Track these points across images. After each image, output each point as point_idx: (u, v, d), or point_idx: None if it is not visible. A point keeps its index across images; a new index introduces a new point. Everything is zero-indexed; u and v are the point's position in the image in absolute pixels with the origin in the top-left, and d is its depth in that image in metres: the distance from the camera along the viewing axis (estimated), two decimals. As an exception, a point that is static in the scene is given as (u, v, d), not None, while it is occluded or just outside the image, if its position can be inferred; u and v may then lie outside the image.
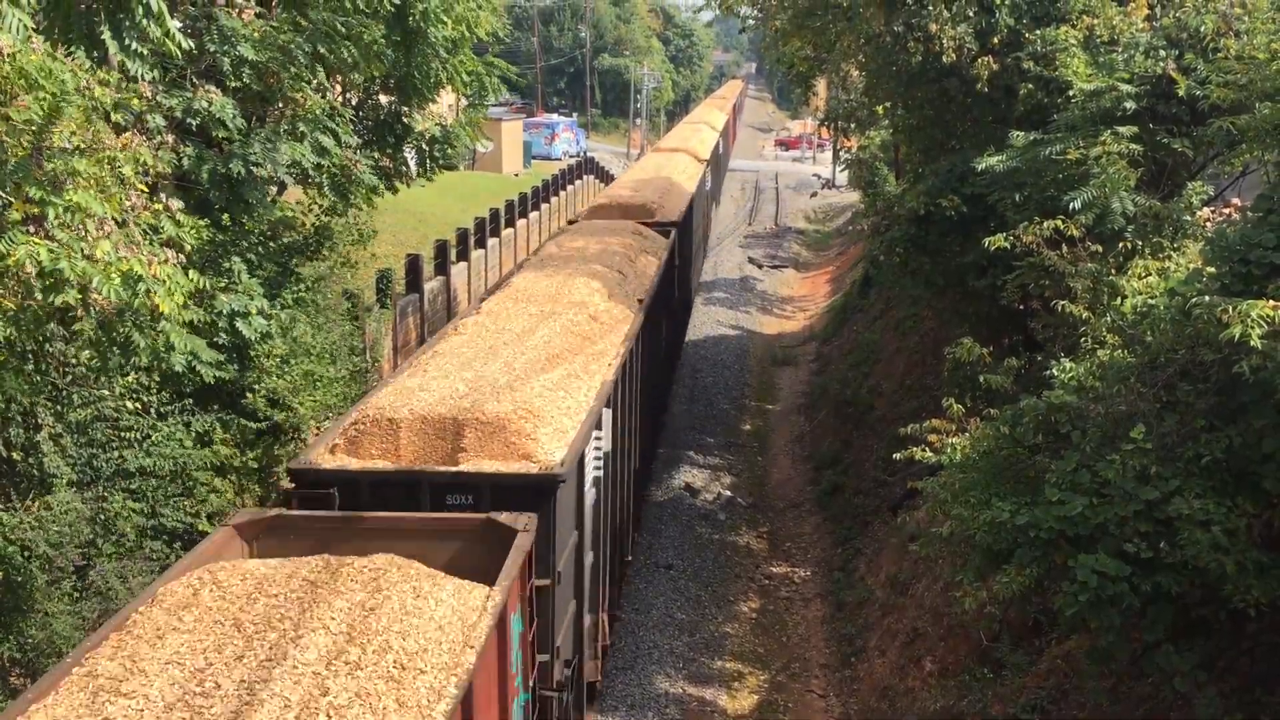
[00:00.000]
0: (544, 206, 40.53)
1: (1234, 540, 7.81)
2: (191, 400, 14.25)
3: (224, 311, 13.53)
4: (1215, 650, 9.00)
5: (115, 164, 9.47)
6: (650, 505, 19.90)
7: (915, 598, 14.96)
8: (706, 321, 33.79)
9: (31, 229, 8.85)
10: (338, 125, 15.42)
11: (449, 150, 20.51)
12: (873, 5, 16.94)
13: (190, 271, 9.93)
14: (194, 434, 14.24)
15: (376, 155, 18.49)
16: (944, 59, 15.78)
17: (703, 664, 15.11)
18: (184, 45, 11.33)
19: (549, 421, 10.59)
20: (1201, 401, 8.57)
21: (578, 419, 11.04)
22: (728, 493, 21.31)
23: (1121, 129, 12.43)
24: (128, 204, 9.62)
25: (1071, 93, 13.19)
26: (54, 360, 12.36)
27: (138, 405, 13.52)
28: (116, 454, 13.29)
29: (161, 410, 13.95)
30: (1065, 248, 12.28)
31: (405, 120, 19.27)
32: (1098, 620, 8.18)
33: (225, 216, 14.36)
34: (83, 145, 9.24)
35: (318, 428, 15.55)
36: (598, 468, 11.82)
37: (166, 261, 9.49)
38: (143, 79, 11.73)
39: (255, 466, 15.23)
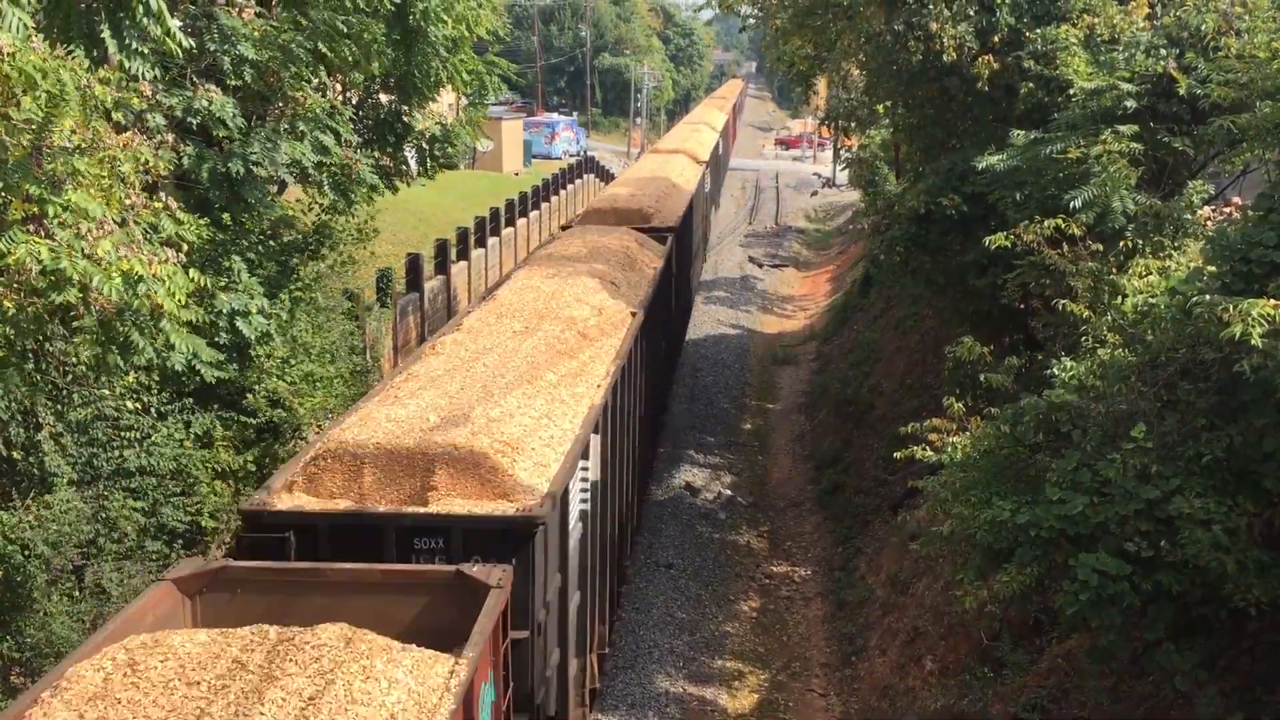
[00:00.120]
0: (544, 206, 40.54)
1: (1234, 539, 7.80)
2: (192, 400, 14.26)
3: (224, 311, 13.53)
4: (1216, 649, 9.00)
5: (115, 163, 9.48)
6: (651, 504, 19.89)
7: (916, 597, 14.96)
8: (707, 321, 33.78)
9: (31, 228, 8.86)
10: (338, 124, 15.41)
11: (449, 149, 20.51)
12: (873, 4, 16.93)
13: (190, 270, 9.93)
14: (193, 434, 14.24)
15: (377, 154, 18.49)
16: (944, 58, 15.77)
17: (703, 663, 15.10)
18: (184, 44, 11.32)
19: (529, 454, 9.83)
20: (1202, 400, 8.57)
21: (562, 449, 10.30)
22: (728, 492, 21.31)
23: (1122, 128, 12.43)
24: (128, 203, 9.62)
25: (1072, 91, 13.18)
26: (54, 359, 12.36)
27: (138, 405, 13.52)
28: (117, 453, 13.29)
29: (162, 410, 13.96)
30: (1066, 246, 12.27)
31: (405, 119, 19.27)
32: (1098, 619, 8.18)
33: (225, 216, 14.36)
34: (83, 144, 9.25)
35: (318, 427, 15.54)
36: (584, 500, 11.04)
37: (167, 261, 9.49)
38: (144, 78, 11.73)
39: (253, 469, 15.21)
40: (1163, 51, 13.36)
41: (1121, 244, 12.59)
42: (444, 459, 9.38)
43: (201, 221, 11.54)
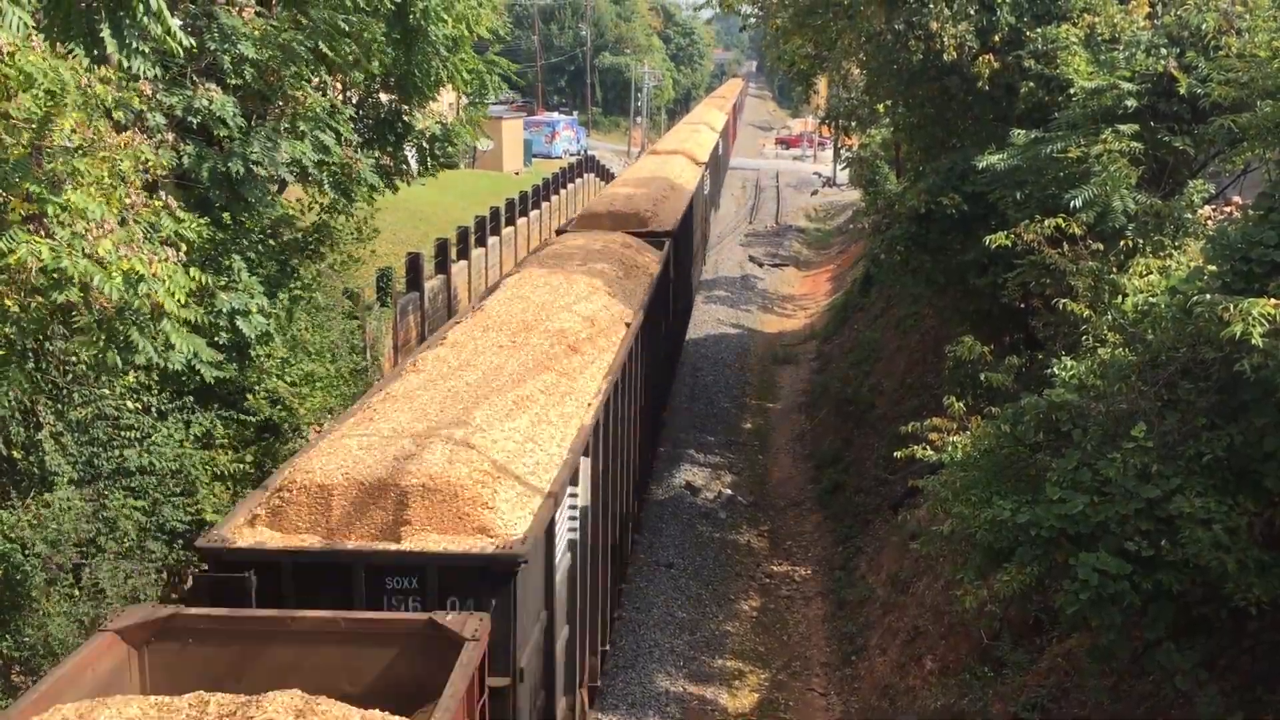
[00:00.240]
0: (544, 205, 40.54)
1: (1235, 538, 7.80)
2: (192, 398, 14.25)
3: (224, 310, 13.53)
4: (1216, 648, 9.00)
5: (115, 162, 9.47)
6: (651, 504, 19.89)
7: (916, 596, 14.96)
8: (707, 320, 33.78)
9: (32, 227, 8.86)
10: (338, 123, 15.41)
11: (449, 148, 20.49)
12: (873, 3, 16.93)
13: (191, 270, 9.93)
14: (193, 435, 14.24)
15: (377, 153, 18.48)
16: (945, 57, 15.77)
17: (703, 662, 15.11)
18: (184, 43, 11.32)
19: (511, 483, 9.20)
20: (1202, 400, 8.57)
21: (548, 477, 9.67)
22: (728, 491, 21.31)
23: (1122, 127, 12.42)
24: (127, 202, 9.62)
25: (1072, 91, 13.18)
26: (54, 359, 12.37)
27: (138, 404, 13.52)
28: (117, 452, 13.29)
29: (162, 409, 13.96)
30: (1066, 246, 12.27)
31: (406, 118, 19.26)
32: (1099, 618, 8.18)
33: (225, 215, 14.36)
34: (83, 144, 9.24)
35: (318, 427, 15.54)
36: (573, 529, 10.43)
37: (167, 260, 9.49)
38: (146, 76, 11.73)
39: (251, 471, 15.19)
40: (1163, 51, 13.36)
41: (1122, 243, 12.59)
42: (418, 490, 8.74)
43: (201, 221, 11.54)
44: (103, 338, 10.10)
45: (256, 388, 15.41)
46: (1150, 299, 10.22)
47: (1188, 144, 13.09)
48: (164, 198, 10.74)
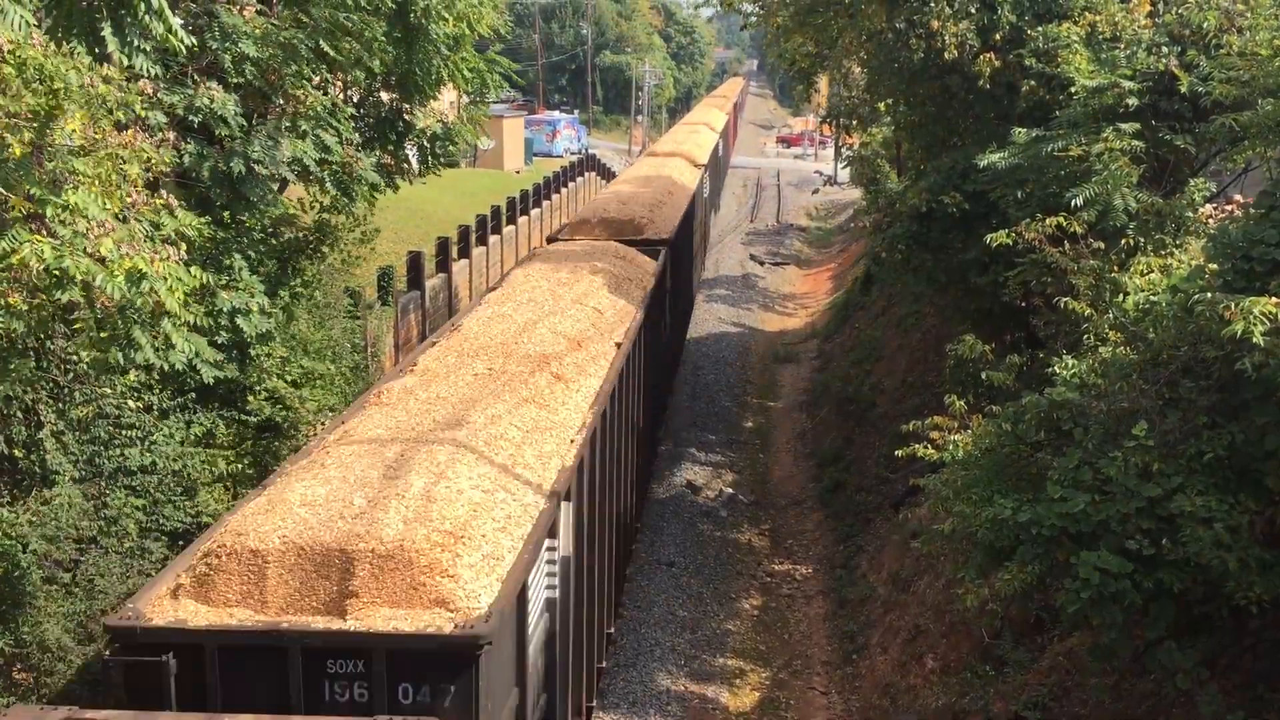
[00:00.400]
0: (545, 204, 40.55)
1: (1236, 537, 7.80)
2: (194, 396, 14.26)
3: (224, 309, 13.53)
4: (1217, 647, 9.00)
5: (119, 162, 9.48)
6: (652, 502, 19.90)
7: (917, 595, 14.96)
8: (708, 319, 33.79)
9: (33, 226, 8.86)
10: (339, 123, 15.42)
11: (450, 147, 20.50)
12: (874, 2, 16.92)
13: (192, 268, 9.93)
14: (194, 434, 14.24)
15: (378, 152, 18.49)
16: (946, 56, 15.77)
17: (704, 661, 15.11)
18: (185, 42, 11.32)
19: (477, 544, 8.01)
20: (1203, 398, 8.56)
21: (521, 531, 8.56)
22: (729, 490, 21.31)
23: (1124, 125, 12.42)
24: (128, 200, 9.62)
25: (1073, 89, 13.17)
26: (55, 357, 12.38)
27: (140, 403, 13.53)
28: (118, 452, 13.29)
29: (164, 408, 13.96)
30: (1067, 244, 12.27)
31: (406, 117, 19.27)
32: (1100, 617, 8.18)
33: (226, 214, 14.37)
34: (85, 143, 9.24)
35: (317, 426, 15.54)
36: (551, 587, 9.38)
37: (169, 258, 9.49)
38: (148, 74, 11.73)
39: (251, 471, 15.19)
40: (1164, 49, 13.36)
41: (1123, 242, 12.59)
42: (367, 557, 7.62)
43: (202, 219, 11.55)
44: (105, 336, 10.11)
45: (257, 387, 15.41)
46: (1151, 297, 10.23)
47: (1189, 142, 13.09)
48: (165, 196, 10.75)
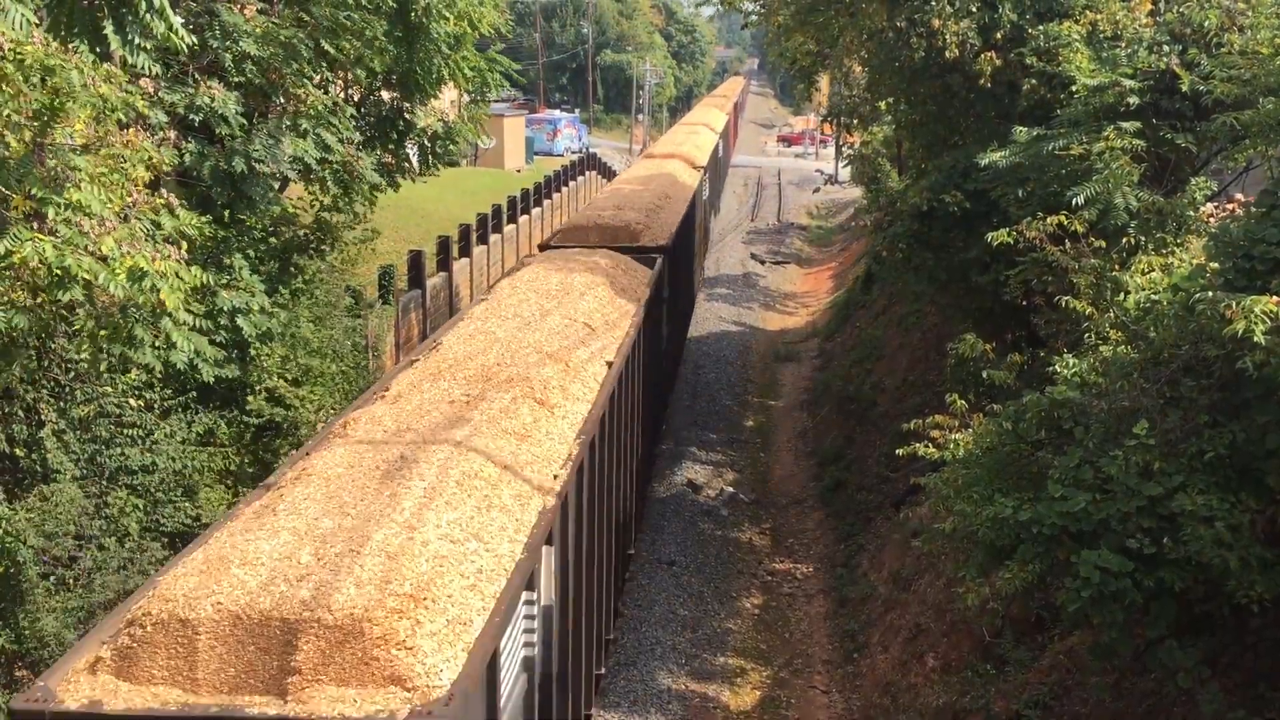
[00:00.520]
0: (546, 203, 40.57)
1: (1237, 536, 7.80)
2: (195, 395, 14.27)
3: (225, 308, 13.54)
4: (1218, 646, 9.00)
5: (122, 161, 9.49)
6: (653, 501, 19.90)
7: (918, 594, 14.96)
8: (709, 317, 33.79)
9: (35, 225, 8.87)
10: (339, 122, 15.43)
11: (451, 146, 20.52)
12: (875, 0, 16.92)
13: (192, 268, 9.94)
14: (195, 433, 14.25)
15: (379, 151, 18.51)
16: (947, 54, 15.76)
17: (705, 660, 15.11)
18: (187, 41, 11.33)
19: (441, 607, 7.04)
20: (1205, 397, 8.56)
21: (493, 589, 7.56)
22: (730, 489, 21.31)
23: (1125, 124, 12.41)
24: (129, 199, 9.63)
25: (1075, 88, 13.17)
26: (56, 356, 12.39)
27: (141, 402, 13.54)
28: (119, 451, 13.31)
29: (165, 407, 13.97)
30: (1068, 243, 12.25)
31: (407, 116, 19.29)
32: (1100, 616, 8.17)
33: (227, 213, 14.39)
34: (87, 142, 9.26)
35: (317, 424, 15.55)
36: (529, 645, 8.55)
37: (170, 257, 9.50)
38: (149, 73, 11.74)
39: (251, 470, 15.20)
40: (1165, 48, 13.35)
41: (1124, 241, 12.58)
42: (312, 627, 6.67)
43: (203, 218, 11.55)
44: (105, 334, 10.11)
45: (257, 386, 15.41)
46: (1152, 296, 10.22)
47: (1190, 141, 13.08)
48: (165, 195, 10.76)
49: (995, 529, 8.80)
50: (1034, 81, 14.69)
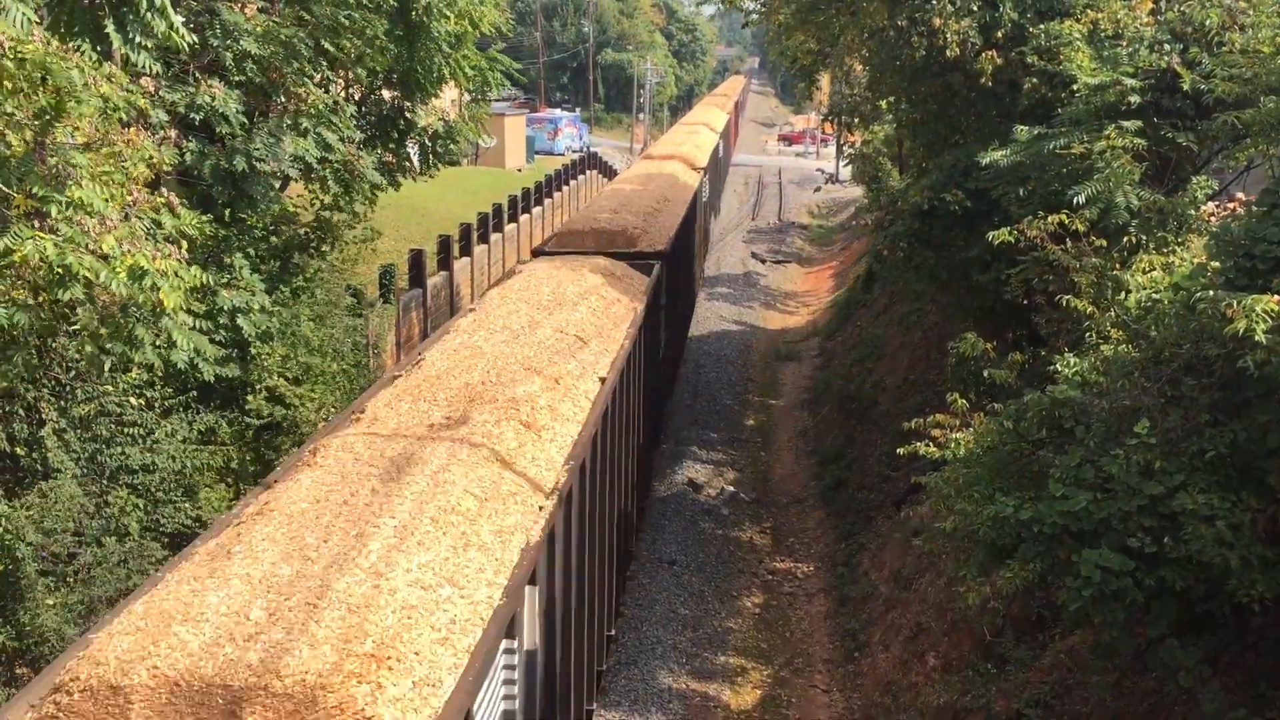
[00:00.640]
0: (547, 201, 40.57)
1: (1238, 535, 7.79)
2: (196, 395, 14.28)
3: (225, 308, 13.55)
4: (1220, 645, 8.99)
5: (122, 160, 9.49)
6: (653, 501, 19.90)
7: (919, 593, 14.96)
8: (710, 316, 33.79)
9: (36, 223, 8.87)
10: (340, 122, 15.43)
11: (451, 145, 20.52)
12: (876, -1, 16.93)
13: (192, 268, 9.94)
14: (196, 432, 14.26)
15: (380, 151, 18.51)
16: (948, 53, 15.75)
17: (706, 659, 15.11)
18: (187, 39, 11.33)
19: (408, 666, 6.30)
20: (1206, 396, 8.55)
21: (468, 640, 6.78)
22: (731, 488, 21.31)
23: (1126, 123, 12.40)
24: (129, 199, 9.64)
25: (1076, 87, 13.16)
26: (57, 355, 12.39)
27: (142, 401, 13.55)
28: (120, 450, 13.31)
29: (166, 405, 13.98)
30: (1069, 242, 12.25)
31: (408, 115, 19.29)
32: (1101, 615, 8.17)
33: (227, 212, 14.39)
34: (89, 141, 9.26)
35: (318, 422, 15.56)
36: (510, 695, 7.84)
37: (170, 256, 9.51)
38: (150, 71, 11.75)
39: (253, 468, 15.20)
40: (1166, 46, 13.34)
41: (1125, 239, 12.57)
42: (259, 696, 5.95)
43: (204, 218, 11.56)
44: (109, 333, 10.12)
45: (257, 385, 15.42)
46: (1153, 295, 10.21)
47: (1191, 140, 13.07)
48: (165, 194, 10.76)
49: (996, 528, 8.80)
50: (1035, 80, 14.68)
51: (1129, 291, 11.13)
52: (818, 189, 61.89)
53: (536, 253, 20.05)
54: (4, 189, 8.68)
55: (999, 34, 15.61)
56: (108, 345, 10.28)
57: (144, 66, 11.71)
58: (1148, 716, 9.55)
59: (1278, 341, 7.63)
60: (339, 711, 5.87)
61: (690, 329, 30.66)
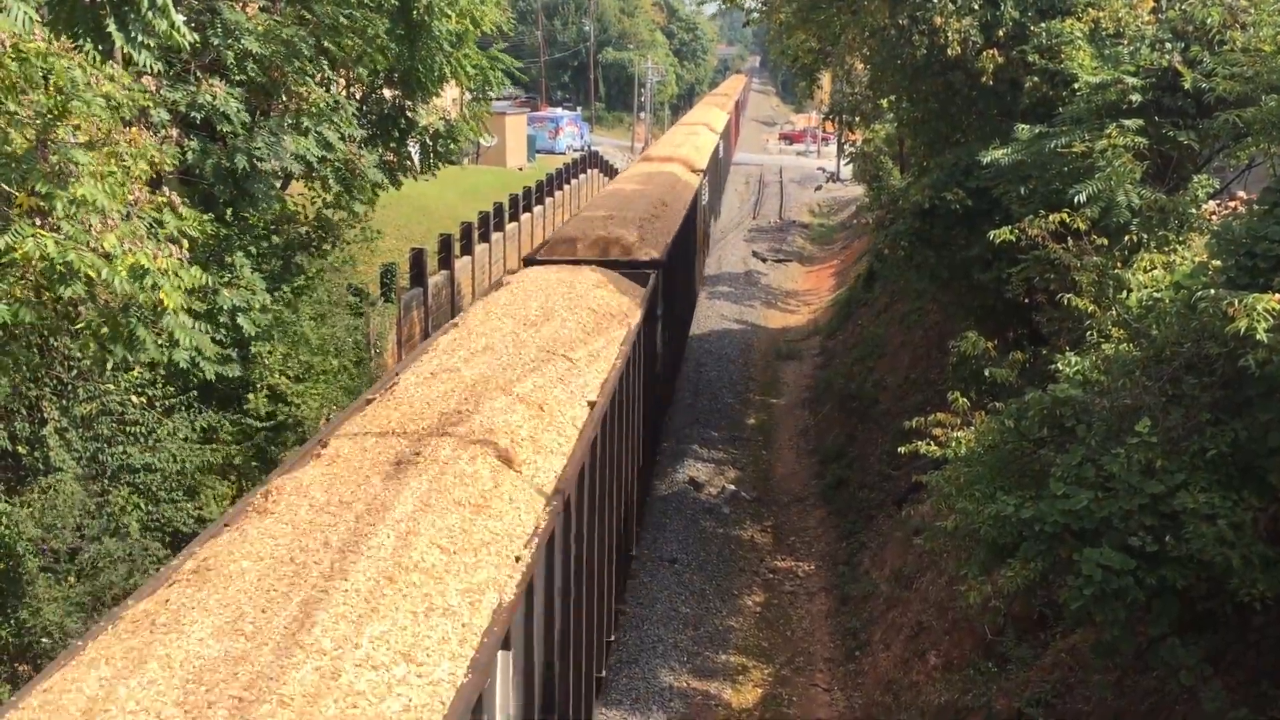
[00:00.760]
0: (548, 200, 40.58)
1: (1239, 534, 7.79)
2: (196, 394, 14.28)
3: (225, 307, 13.56)
4: (1221, 644, 8.99)
5: (122, 159, 9.49)
6: (654, 499, 19.90)
7: (920, 592, 14.96)
8: (710, 315, 33.79)
9: (37, 221, 8.87)
10: (341, 121, 15.44)
11: (452, 144, 20.52)
12: (877, -2, 16.93)
13: (192, 268, 9.94)
14: (199, 429, 14.27)
15: (381, 150, 18.52)
16: (949, 52, 15.75)
17: (707, 658, 15.12)
18: (189, 38, 11.34)
19: None
20: (1207, 395, 8.55)
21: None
22: (732, 487, 21.31)
23: (1127, 122, 12.40)
24: (130, 198, 9.64)
25: (1077, 86, 13.16)
26: (59, 354, 12.40)
27: (143, 400, 13.56)
28: (121, 449, 13.32)
29: (168, 404, 13.99)
30: (1070, 241, 12.25)
31: (409, 114, 19.29)
32: (1103, 614, 8.17)
33: (229, 211, 14.40)
34: (91, 139, 9.26)
35: (319, 421, 15.57)
36: None
37: (171, 255, 9.51)
38: (151, 70, 11.76)
39: (255, 465, 15.21)
40: (1168, 45, 13.33)
41: (1126, 238, 12.56)
42: None
43: (205, 217, 11.57)
44: (109, 332, 10.12)
45: (258, 384, 15.43)
46: (1155, 294, 10.21)
47: (1192, 139, 13.07)
48: (167, 193, 10.76)
49: (997, 527, 8.80)
50: (1036, 79, 14.68)
51: (1130, 290, 11.12)
52: (819, 188, 61.75)
53: (528, 261, 19.02)
54: (5, 187, 8.68)
55: (1000, 32, 15.61)
56: (110, 346, 10.27)
57: (146, 65, 11.71)
58: (1149, 715, 9.55)
59: (1279, 340, 7.63)
60: None
61: (691, 328, 30.66)
